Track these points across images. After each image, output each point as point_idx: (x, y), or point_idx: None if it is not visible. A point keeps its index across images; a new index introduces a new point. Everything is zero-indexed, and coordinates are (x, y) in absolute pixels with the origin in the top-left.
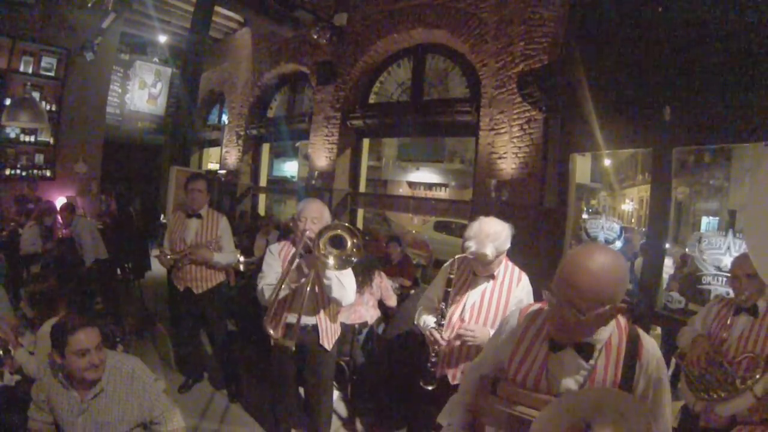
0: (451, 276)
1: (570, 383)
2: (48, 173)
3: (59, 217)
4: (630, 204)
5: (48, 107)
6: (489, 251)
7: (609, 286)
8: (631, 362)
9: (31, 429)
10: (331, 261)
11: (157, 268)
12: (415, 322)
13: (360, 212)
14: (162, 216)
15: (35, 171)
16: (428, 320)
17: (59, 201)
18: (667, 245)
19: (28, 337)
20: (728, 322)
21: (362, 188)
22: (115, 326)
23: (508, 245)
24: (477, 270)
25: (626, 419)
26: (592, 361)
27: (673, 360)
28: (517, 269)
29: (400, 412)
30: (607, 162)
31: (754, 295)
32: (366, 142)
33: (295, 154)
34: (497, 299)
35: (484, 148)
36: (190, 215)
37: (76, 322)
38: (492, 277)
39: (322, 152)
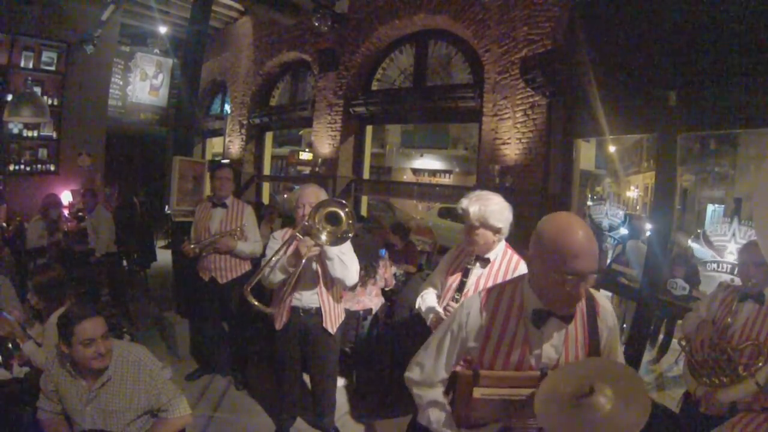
0: (469, 267)
1: (551, 351)
2: (52, 167)
3: (63, 207)
4: (635, 191)
5: (50, 101)
6: (472, 209)
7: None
8: (593, 319)
9: (41, 419)
10: (323, 237)
11: (162, 258)
12: (417, 307)
13: (364, 199)
14: (166, 207)
15: (39, 166)
16: (432, 302)
17: (64, 195)
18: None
19: (37, 328)
20: (733, 308)
21: (366, 175)
22: (122, 317)
23: (500, 224)
24: (471, 249)
25: (622, 381)
26: (570, 326)
27: (677, 345)
28: (516, 257)
29: (403, 398)
30: (611, 148)
31: (761, 282)
32: (369, 129)
33: (298, 142)
34: (485, 284)
35: (487, 134)
36: (215, 204)
37: (81, 312)
38: (487, 261)
39: (325, 139)
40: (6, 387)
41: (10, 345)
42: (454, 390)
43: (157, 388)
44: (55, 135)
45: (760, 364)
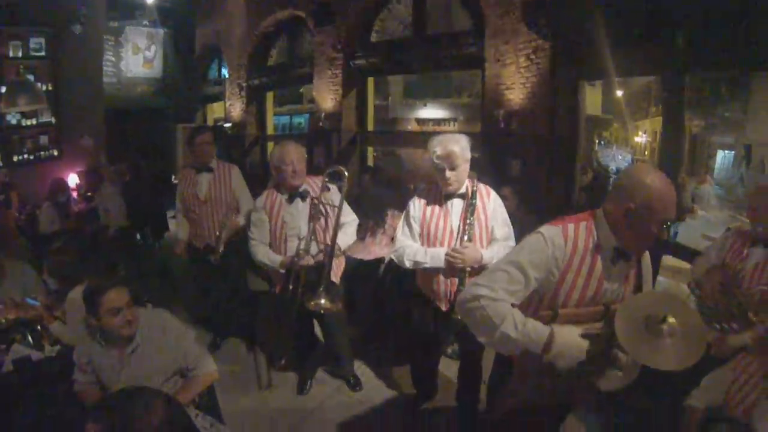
0: (474, 201)
1: (615, 287)
2: (55, 153)
3: (71, 190)
4: (643, 136)
5: (44, 87)
6: (456, 148)
7: None
8: (639, 259)
9: (77, 391)
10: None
11: (175, 229)
12: (412, 263)
13: (369, 151)
14: (173, 177)
15: (42, 153)
16: (434, 250)
17: (71, 178)
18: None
19: (60, 308)
20: (744, 253)
21: (370, 127)
22: (141, 288)
23: (469, 154)
24: (446, 188)
25: (685, 311)
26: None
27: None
28: (482, 185)
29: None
30: (619, 93)
31: None
32: (371, 81)
33: (300, 100)
34: (477, 214)
35: (490, 80)
36: (199, 170)
37: (105, 283)
38: (462, 196)
39: (327, 94)
40: (41, 366)
41: (39, 327)
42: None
43: (183, 349)
44: (53, 120)
45: None
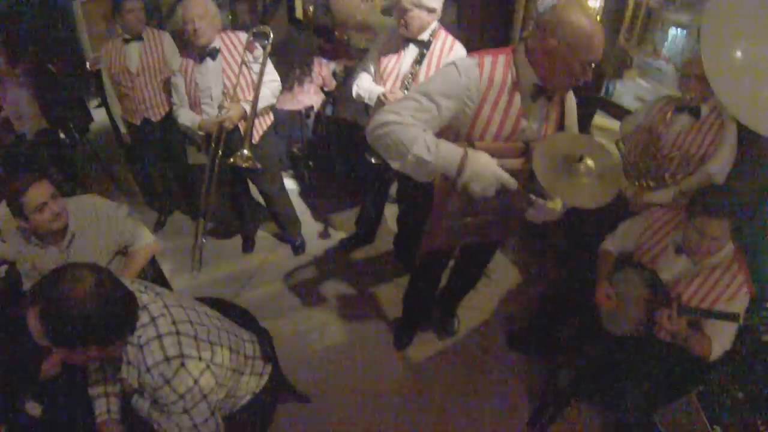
0: (425, 51)
1: (535, 125)
2: None
3: None
4: (597, 1)
5: None
6: None
7: None
8: (562, 99)
9: None
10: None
11: (99, 120)
12: (355, 93)
13: (298, 3)
14: (86, 62)
15: None
16: (374, 88)
17: None
18: None
19: None
20: (668, 118)
21: None
22: (78, 187)
23: (435, 3)
24: (405, 32)
25: (603, 154)
26: (551, 104)
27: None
28: (450, 38)
29: (356, 188)
30: None
31: (699, 97)
32: None
33: None
34: (426, 67)
35: None
36: (127, 40)
37: (23, 182)
38: (421, 44)
39: None
40: None
41: None
42: None
43: (118, 227)
44: None
45: (686, 175)
